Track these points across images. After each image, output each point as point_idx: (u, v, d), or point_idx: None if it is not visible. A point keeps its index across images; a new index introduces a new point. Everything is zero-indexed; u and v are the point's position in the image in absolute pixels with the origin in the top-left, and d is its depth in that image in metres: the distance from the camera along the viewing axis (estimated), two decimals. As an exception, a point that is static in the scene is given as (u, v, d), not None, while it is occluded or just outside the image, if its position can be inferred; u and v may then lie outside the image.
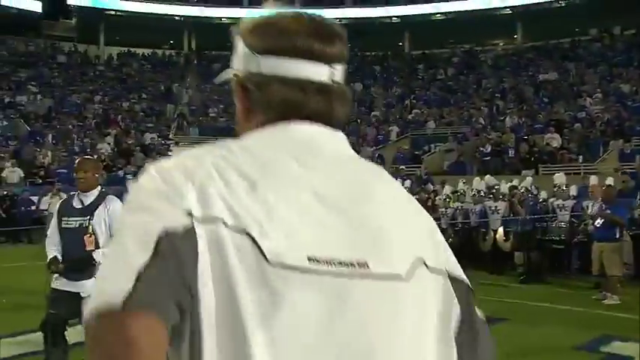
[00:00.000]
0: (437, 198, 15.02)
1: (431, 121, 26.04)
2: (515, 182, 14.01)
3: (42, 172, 21.21)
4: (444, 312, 0.98)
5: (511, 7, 36.16)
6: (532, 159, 18.82)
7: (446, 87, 31.01)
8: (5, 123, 26.59)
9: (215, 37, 36.96)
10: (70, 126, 26.94)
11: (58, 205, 5.10)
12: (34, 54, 34.97)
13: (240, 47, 1.06)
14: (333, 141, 1.03)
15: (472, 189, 14.49)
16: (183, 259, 0.83)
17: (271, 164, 0.94)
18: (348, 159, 1.03)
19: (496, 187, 13.57)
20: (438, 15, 37.56)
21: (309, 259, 0.87)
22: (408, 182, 16.76)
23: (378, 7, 37.95)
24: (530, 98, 26.55)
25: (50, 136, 25.37)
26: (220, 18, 37.43)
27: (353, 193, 0.96)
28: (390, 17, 38.34)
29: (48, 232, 5.09)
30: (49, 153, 22.88)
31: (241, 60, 1.06)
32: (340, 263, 0.89)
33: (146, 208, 0.88)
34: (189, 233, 0.84)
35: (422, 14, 37.36)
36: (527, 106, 25.43)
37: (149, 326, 0.80)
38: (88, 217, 4.95)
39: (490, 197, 13.30)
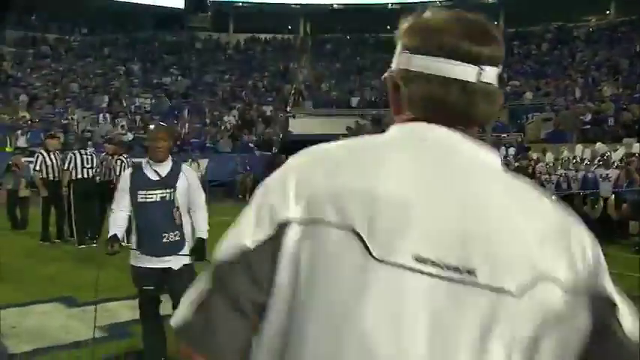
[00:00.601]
0: (538, 165, 12.96)
1: (528, 92, 23.30)
2: (620, 150, 11.77)
3: (178, 142, 20.85)
4: (565, 330, 0.80)
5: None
6: (637, 127, 16.03)
7: (541, 61, 27.88)
8: (153, 100, 26.75)
9: (327, 22, 36.41)
10: (202, 101, 26.65)
11: (128, 179, 3.84)
12: (176, 43, 35.11)
13: (398, 46, 0.97)
14: (464, 147, 0.88)
15: (575, 156, 12.38)
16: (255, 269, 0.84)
17: (391, 163, 0.85)
18: (476, 166, 0.86)
19: (607, 154, 11.36)
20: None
21: (416, 258, 0.78)
22: (512, 150, 14.74)
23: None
24: (625, 70, 23.16)
25: (186, 110, 25.13)
26: (332, 5, 36.85)
27: (473, 200, 0.82)
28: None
29: (112, 206, 3.89)
30: (187, 125, 22.60)
31: (396, 58, 0.97)
32: (447, 267, 0.78)
33: (241, 227, 0.88)
34: (266, 246, 0.84)
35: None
36: (622, 78, 22.16)
37: None
38: (171, 189, 3.74)
39: (598, 164, 11.14)
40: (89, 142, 11.92)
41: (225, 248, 0.87)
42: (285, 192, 0.86)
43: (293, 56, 33.72)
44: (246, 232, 0.86)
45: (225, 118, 23.91)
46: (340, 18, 36.49)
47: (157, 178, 3.75)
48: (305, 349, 0.81)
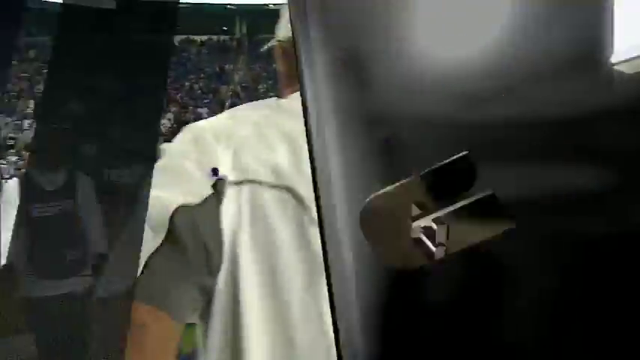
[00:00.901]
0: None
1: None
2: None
3: (110, 147, 20.07)
4: None
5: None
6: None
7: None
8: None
9: (263, 22, 36.12)
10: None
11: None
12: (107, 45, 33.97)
13: (286, 15, 0.93)
14: None
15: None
16: (200, 229, 0.75)
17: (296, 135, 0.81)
18: None
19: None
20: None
21: None
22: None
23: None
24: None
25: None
26: (268, 5, 36.63)
27: None
28: None
29: None
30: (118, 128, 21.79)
31: (285, 27, 0.94)
32: None
33: (168, 179, 0.78)
34: (211, 201, 0.75)
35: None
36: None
37: None
38: (72, 199, 3.29)
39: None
40: (11, 150, 11.11)
41: (165, 203, 0.75)
42: (206, 148, 0.78)
43: (229, 58, 33.20)
44: (181, 187, 0.76)
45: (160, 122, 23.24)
46: (277, 18, 36.32)
47: (54, 188, 3.28)
48: (249, 314, 0.74)
